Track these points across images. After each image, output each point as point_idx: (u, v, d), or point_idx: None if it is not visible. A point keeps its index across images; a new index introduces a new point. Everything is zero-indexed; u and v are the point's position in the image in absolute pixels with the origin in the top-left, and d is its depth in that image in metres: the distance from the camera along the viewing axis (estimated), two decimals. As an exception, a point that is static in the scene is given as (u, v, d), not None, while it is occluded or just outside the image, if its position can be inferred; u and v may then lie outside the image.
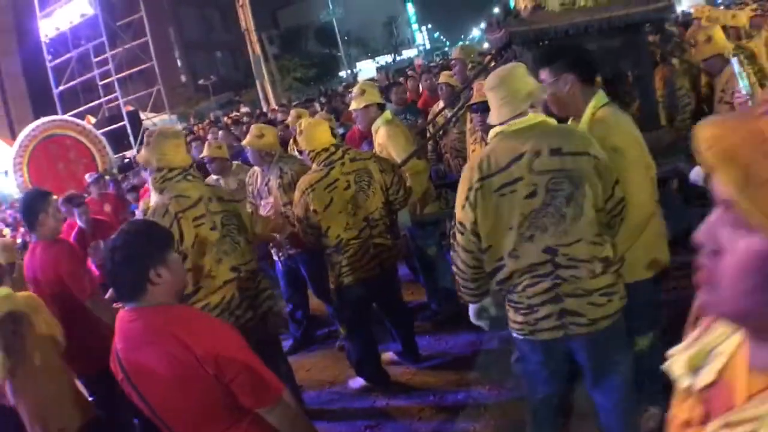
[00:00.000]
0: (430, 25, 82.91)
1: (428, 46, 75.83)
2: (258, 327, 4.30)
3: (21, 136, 12.64)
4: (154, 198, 4.77)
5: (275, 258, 6.38)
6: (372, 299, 5.27)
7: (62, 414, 3.79)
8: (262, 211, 5.76)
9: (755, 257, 0.88)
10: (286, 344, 6.29)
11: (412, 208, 5.50)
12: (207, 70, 46.79)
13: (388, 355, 5.63)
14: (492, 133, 3.23)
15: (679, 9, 18.12)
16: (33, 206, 4.69)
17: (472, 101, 5.07)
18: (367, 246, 4.98)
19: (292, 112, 8.60)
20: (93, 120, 20.86)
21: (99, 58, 24.45)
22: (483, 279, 3.37)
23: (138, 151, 6.59)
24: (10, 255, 5.39)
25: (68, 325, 4.18)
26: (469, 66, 7.01)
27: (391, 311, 5.50)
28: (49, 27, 25.48)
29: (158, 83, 27.19)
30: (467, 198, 3.18)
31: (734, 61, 4.56)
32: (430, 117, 7.45)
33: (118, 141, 20.43)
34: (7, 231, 11.24)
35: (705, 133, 0.90)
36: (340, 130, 8.72)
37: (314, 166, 4.99)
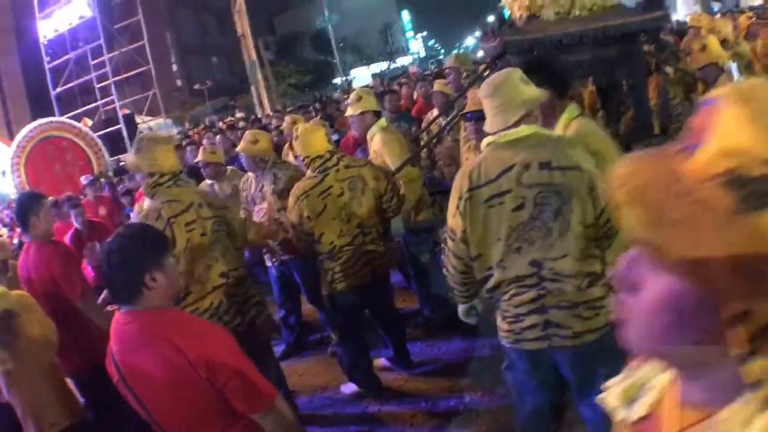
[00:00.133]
0: (425, 33, 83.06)
1: (423, 54, 75.95)
2: (246, 333, 4.30)
3: (19, 136, 12.65)
4: (146, 203, 4.80)
5: (268, 264, 6.38)
6: (364, 305, 5.29)
7: (54, 411, 3.82)
8: (256, 217, 5.77)
9: (669, 296, 0.88)
10: (279, 349, 6.30)
11: (405, 216, 5.52)
12: (203, 75, 46.77)
13: (380, 361, 5.64)
14: (484, 142, 3.24)
15: (674, 18, 18.24)
16: (25, 209, 4.75)
17: (466, 110, 5.09)
18: (360, 253, 4.99)
19: (287, 118, 8.63)
20: (89, 122, 20.85)
21: (96, 61, 24.45)
22: (472, 283, 3.41)
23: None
24: (4, 254, 5.43)
25: (60, 326, 4.19)
26: (464, 75, 7.03)
27: (383, 317, 5.51)
28: (47, 28, 25.47)
29: (154, 87, 27.17)
30: (458, 207, 3.21)
31: (733, 66, 4.60)
32: (424, 125, 7.47)
33: (114, 144, 20.41)
34: (4, 231, 11.24)
35: (619, 171, 0.90)
36: (335, 137, 8.76)
37: (309, 172, 5.01)
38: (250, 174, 6.12)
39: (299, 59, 54.08)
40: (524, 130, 3.10)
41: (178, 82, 46.20)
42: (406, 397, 5.22)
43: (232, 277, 4.37)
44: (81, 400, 4.46)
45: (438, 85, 7.45)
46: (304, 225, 4.92)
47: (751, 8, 18.19)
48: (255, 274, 6.89)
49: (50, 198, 5.41)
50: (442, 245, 3.44)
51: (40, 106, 26.92)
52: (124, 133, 22.18)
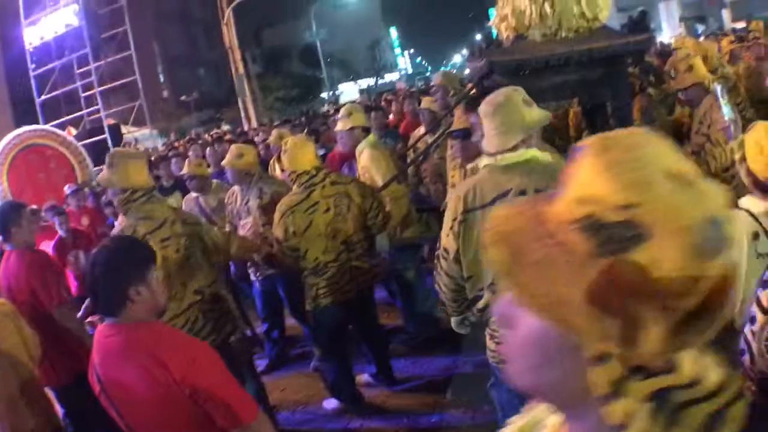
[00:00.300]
0: (412, 50, 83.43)
1: (410, 71, 76.22)
2: (222, 349, 4.31)
3: (2, 144, 12.51)
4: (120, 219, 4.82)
5: (252, 278, 6.37)
6: (348, 321, 5.29)
7: (30, 418, 3.80)
8: (241, 232, 5.77)
9: (533, 335, 0.90)
10: (262, 363, 6.28)
11: (391, 232, 5.54)
12: (189, 87, 46.68)
13: (363, 377, 5.63)
14: (482, 162, 3.24)
15: (659, 40, 18.42)
16: (5, 219, 4.75)
17: (452, 128, 5.12)
18: (345, 269, 5.00)
19: (274, 132, 8.63)
20: (74, 132, 20.70)
21: (82, 70, 24.36)
22: (463, 300, 3.43)
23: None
24: None
25: (39, 336, 4.15)
26: (451, 93, 7.07)
27: (366, 333, 5.51)
28: (33, 35, 25.38)
29: (140, 97, 27.09)
30: (452, 227, 3.22)
31: (718, 87, 4.64)
32: (411, 142, 7.50)
33: (99, 154, 20.17)
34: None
35: (493, 215, 0.94)
36: (321, 152, 8.76)
37: (295, 187, 5.01)
38: (235, 188, 6.13)
39: (287, 73, 54.05)
40: (523, 154, 3.10)
41: (165, 93, 46.07)
42: (388, 413, 5.22)
43: (207, 294, 4.38)
44: (60, 410, 4.45)
45: (425, 102, 7.48)
46: (290, 240, 4.92)
47: (735, 31, 18.43)
48: (241, 289, 6.89)
49: (31, 207, 5.38)
50: (435, 262, 3.45)
51: (23, 113, 26.74)
52: (109, 144, 22.09)
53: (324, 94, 53.59)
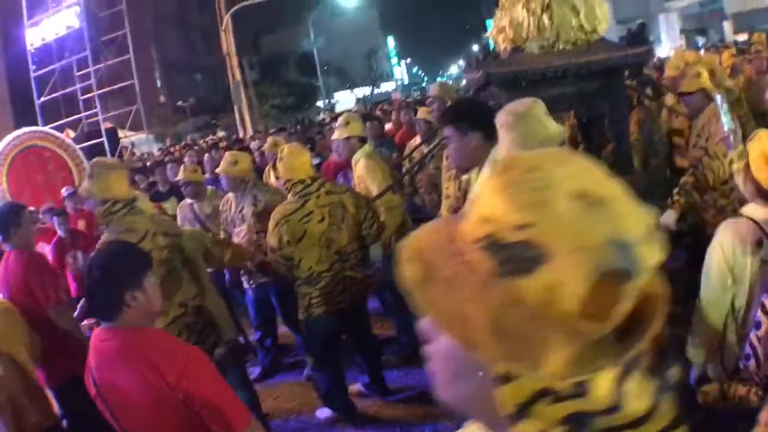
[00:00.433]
0: (409, 60, 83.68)
1: (406, 81, 76.43)
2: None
3: (1, 144, 12.49)
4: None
5: (246, 286, 6.36)
6: (341, 331, 5.27)
7: (31, 415, 3.87)
8: (235, 239, 5.76)
9: (443, 351, 0.91)
10: (255, 371, 6.26)
11: (386, 242, 5.53)
12: (186, 92, 46.71)
13: (355, 387, 5.61)
14: None
15: (660, 52, 18.48)
16: (5, 219, 4.76)
17: (449, 138, 5.11)
18: (339, 279, 4.98)
19: (269, 139, 8.63)
20: (72, 134, 20.68)
21: (81, 72, 24.42)
22: None
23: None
24: None
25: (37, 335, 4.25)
26: (448, 104, 7.08)
27: (359, 343, 5.50)
28: (35, 36, 25.43)
29: (138, 102, 27.12)
30: None
31: (718, 97, 4.64)
32: (406, 152, 7.50)
33: (95, 157, 20.27)
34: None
35: (413, 232, 0.95)
36: (316, 160, 8.76)
37: (290, 196, 5.00)
38: (230, 195, 6.12)
39: (283, 81, 54.08)
40: None
41: (162, 98, 46.12)
42: (381, 424, 5.20)
43: (190, 307, 4.37)
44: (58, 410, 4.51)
45: (422, 113, 7.49)
46: (284, 249, 4.91)
47: (736, 43, 18.48)
48: (234, 296, 6.87)
49: (29, 209, 5.41)
50: None
51: (23, 114, 26.77)
52: (106, 147, 22.09)
53: (320, 103, 53.68)
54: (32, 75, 24.96)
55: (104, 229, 4.34)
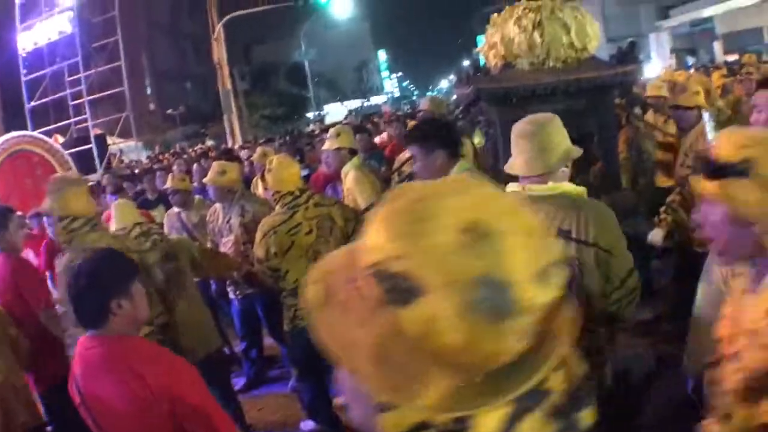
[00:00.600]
0: (400, 74, 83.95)
1: (397, 94, 76.63)
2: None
3: (-9, 148, 12.47)
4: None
5: (231, 296, 6.33)
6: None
7: (20, 414, 3.89)
8: (222, 249, 5.75)
9: (342, 376, 0.91)
10: (239, 382, 6.23)
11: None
12: (176, 100, 46.64)
13: (340, 399, 5.59)
14: (509, 188, 3.06)
15: (649, 71, 18.57)
16: None
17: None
18: (326, 290, 4.97)
19: (258, 149, 8.63)
20: (61, 140, 20.61)
21: (72, 78, 24.33)
22: None
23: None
24: None
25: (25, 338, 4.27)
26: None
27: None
28: (27, 40, 25.32)
29: (127, 109, 27.06)
30: None
31: (706, 115, 4.67)
32: (396, 165, 7.50)
33: (84, 164, 20.09)
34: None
35: (328, 254, 0.97)
36: (305, 172, 8.76)
37: (278, 208, 4.99)
38: (217, 205, 6.10)
39: (273, 91, 54.07)
40: (553, 188, 2.96)
41: (151, 106, 46.03)
42: (364, 437, 5.18)
43: (156, 325, 4.34)
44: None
45: (412, 127, 7.50)
46: (270, 261, 4.89)
47: (726, 63, 18.63)
48: (220, 306, 6.84)
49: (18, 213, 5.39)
50: None
51: (13, 117, 26.64)
52: (95, 154, 21.99)
53: (310, 114, 53.69)
54: (23, 79, 24.86)
55: (66, 248, 4.24)
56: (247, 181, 8.01)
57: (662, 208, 4.99)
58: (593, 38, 4.85)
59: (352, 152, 5.96)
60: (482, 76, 4.91)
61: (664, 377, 4.33)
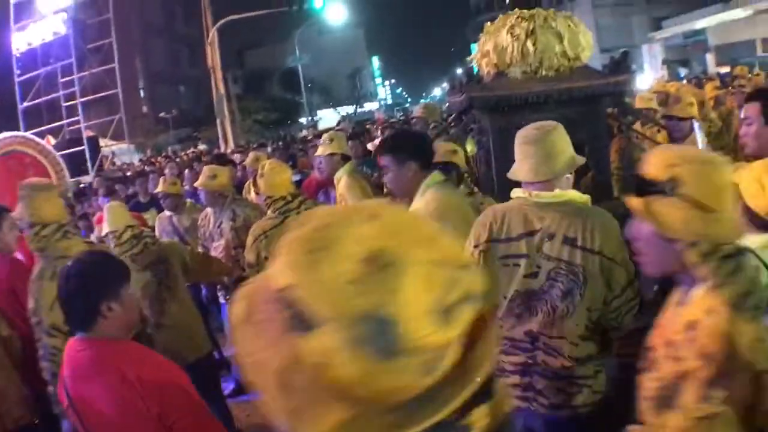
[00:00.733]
0: (393, 80, 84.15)
1: (390, 101, 76.74)
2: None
3: (-18, 149, 12.43)
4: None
5: (222, 301, 6.32)
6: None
7: (18, 406, 3.95)
8: (213, 254, 5.74)
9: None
10: (228, 386, 6.21)
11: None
12: (169, 104, 46.54)
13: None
14: (513, 193, 3.10)
15: (641, 82, 18.63)
16: None
17: (433, 161, 5.12)
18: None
19: (251, 154, 8.62)
20: (53, 141, 20.57)
21: (65, 79, 24.31)
22: None
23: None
24: None
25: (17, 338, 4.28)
26: (431, 125, 7.11)
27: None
28: (21, 41, 25.31)
29: (120, 111, 27.03)
30: (471, 254, 3.09)
31: (697, 125, 4.69)
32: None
33: (76, 165, 20.09)
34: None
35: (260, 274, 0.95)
36: (297, 177, 8.77)
37: (269, 212, 4.99)
38: (208, 210, 6.09)
39: (267, 96, 54.00)
40: (559, 195, 2.96)
41: (144, 109, 45.98)
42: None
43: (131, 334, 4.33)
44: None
45: (405, 134, 7.51)
46: (261, 266, 4.88)
47: (719, 75, 18.70)
48: (210, 311, 6.83)
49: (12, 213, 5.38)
50: None
51: (5, 118, 26.57)
52: (87, 155, 21.96)
53: (303, 120, 53.66)
54: (16, 80, 24.82)
55: (39, 256, 4.16)
56: (239, 186, 8.00)
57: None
58: (586, 48, 4.86)
59: (345, 158, 5.97)
60: (475, 85, 4.92)
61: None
